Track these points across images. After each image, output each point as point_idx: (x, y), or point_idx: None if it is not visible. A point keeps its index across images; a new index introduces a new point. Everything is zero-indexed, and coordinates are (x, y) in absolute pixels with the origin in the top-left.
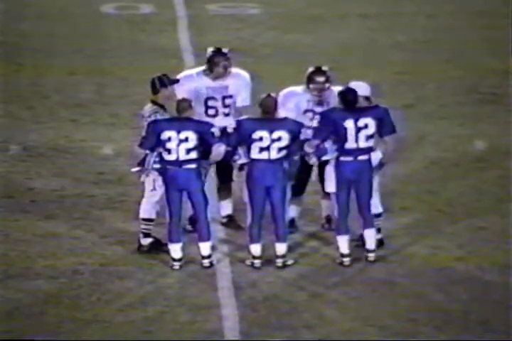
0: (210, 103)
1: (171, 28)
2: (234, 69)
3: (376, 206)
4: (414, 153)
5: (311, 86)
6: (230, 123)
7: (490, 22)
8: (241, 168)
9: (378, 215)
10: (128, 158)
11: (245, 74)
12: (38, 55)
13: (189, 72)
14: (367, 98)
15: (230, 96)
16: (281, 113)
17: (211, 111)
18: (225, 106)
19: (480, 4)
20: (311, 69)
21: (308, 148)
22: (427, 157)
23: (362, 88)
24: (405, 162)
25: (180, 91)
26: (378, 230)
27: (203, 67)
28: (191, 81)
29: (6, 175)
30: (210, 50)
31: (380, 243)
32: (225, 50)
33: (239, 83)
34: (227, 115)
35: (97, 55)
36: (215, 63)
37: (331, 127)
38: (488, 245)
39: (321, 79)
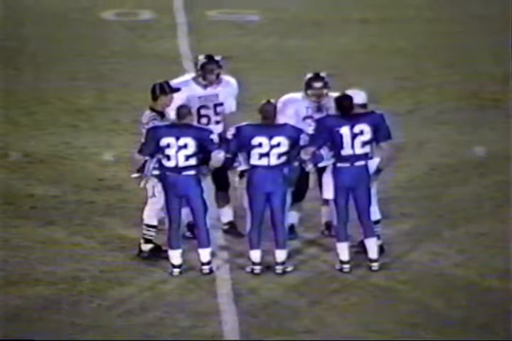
0: (203, 111)
1: (171, 34)
2: (223, 76)
3: (374, 213)
4: (414, 159)
5: (309, 92)
6: (229, 130)
7: (490, 27)
8: (241, 174)
9: (377, 222)
10: (128, 164)
11: (233, 81)
12: (38, 61)
13: (177, 81)
14: (363, 105)
15: (221, 104)
16: (281, 119)
17: (203, 120)
18: (216, 113)
19: (480, 9)
20: (309, 75)
21: (304, 155)
22: (426, 163)
23: (358, 96)
24: (405, 167)
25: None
26: (378, 237)
27: (192, 75)
28: (182, 91)
29: (6, 181)
30: (201, 57)
31: (380, 249)
32: (217, 58)
33: (228, 90)
34: (218, 123)
35: (97, 61)
36: (209, 71)
37: (326, 134)
38: (488, 251)
39: (319, 85)
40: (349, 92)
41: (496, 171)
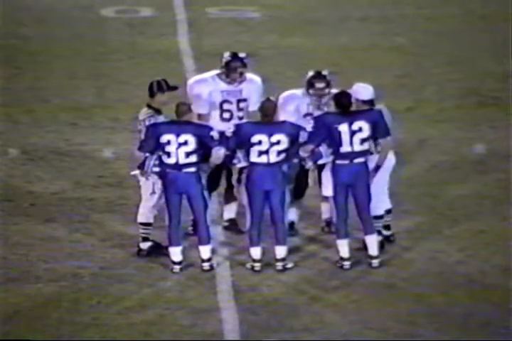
0: (225, 106)
1: (171, 31)
2: (247, 74)
3: (385, 201)
4: (414, 156)
5: (311, 91)
6: (228, 127)
7: (490, 25)
8: (241, 172)
9: (380, 217)
10: (128, 161)
11: (258, 79)
12: (38, 59)
13: (203, 76)
14: (370, 101)
15: (244, 100)
16: (282, 116)
17: (226, 115)
18: (239, 109)
19: (480, 7)
20: (311, 73)
21: (303, 153)
22: (427, 160)
23: (366, 91)
24: (405, 165)
25: (195, 96)
26: (379, 232)
27: (217, 71)
28: (206, 85)
29: (6, 178)
30: (226, 54)
31: (381, 245)
32: (241, 55)
33: (252, 87)
34: (241, 118)
35: (97, 58)
36: (232, 68)
37: (325, 131)
38: (489, 248)
39: (321, 85)
40: (357, 86)
41: (496, 169)
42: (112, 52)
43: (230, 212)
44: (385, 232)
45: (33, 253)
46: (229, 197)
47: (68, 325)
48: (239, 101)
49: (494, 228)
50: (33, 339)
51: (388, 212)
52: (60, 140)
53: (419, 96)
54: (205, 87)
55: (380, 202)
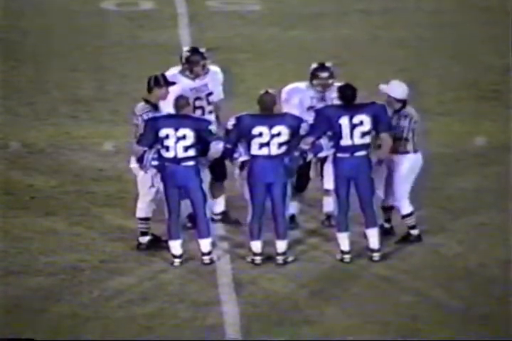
0: (198, 103)
1: (172, 24)
2: (209, 66)
3: (404, 207)
4: None
5: (314, 82)
6: (229, 120)
7: (491, 18)
8: (242, 166)
9: (410, 214)
10: (128, 154)
11: (218, 70)
12: (38, 52)
13: (168, 74)
14: (402, 101)
15: (211, 93)
16: (285, 109)
17: (198, 111)
18: (209, 103)
19: (481, 1)
20: (314, 65)
21: (303, 145)
22: (427, 153)
23: (399, 89)
24: None
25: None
26: (414, 227)
27: (178, 68)
28: (176, 85)
29: (6, 171)
30: (186, 50)
31: (418, 238)
32: (201, 50)
33: (215, 78)
34: (210, 112)
35: (97, 51)
36: (195, 63)
37: (325, 124)
38: (489, 241)
39: (325, 74)
40: (392, 84)
41: (497, 161)
42: (113, 45)
43: (220, 205)
44: (386, 225)
45: (33, 246)
46: (216, 191)
47: (69, 318)
48: (207, 95)
49: (494, 221)
50: (34, 332)
51: (392, 207)
52: (60, 133)
53: (420, 89)
54: (175, 87)
55: (404, 199)
